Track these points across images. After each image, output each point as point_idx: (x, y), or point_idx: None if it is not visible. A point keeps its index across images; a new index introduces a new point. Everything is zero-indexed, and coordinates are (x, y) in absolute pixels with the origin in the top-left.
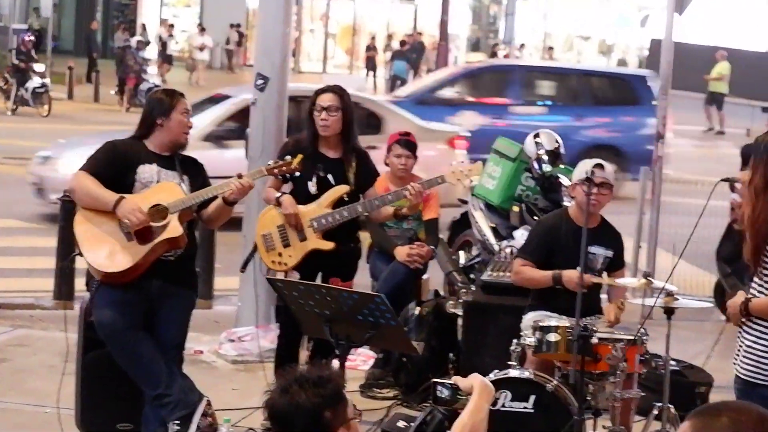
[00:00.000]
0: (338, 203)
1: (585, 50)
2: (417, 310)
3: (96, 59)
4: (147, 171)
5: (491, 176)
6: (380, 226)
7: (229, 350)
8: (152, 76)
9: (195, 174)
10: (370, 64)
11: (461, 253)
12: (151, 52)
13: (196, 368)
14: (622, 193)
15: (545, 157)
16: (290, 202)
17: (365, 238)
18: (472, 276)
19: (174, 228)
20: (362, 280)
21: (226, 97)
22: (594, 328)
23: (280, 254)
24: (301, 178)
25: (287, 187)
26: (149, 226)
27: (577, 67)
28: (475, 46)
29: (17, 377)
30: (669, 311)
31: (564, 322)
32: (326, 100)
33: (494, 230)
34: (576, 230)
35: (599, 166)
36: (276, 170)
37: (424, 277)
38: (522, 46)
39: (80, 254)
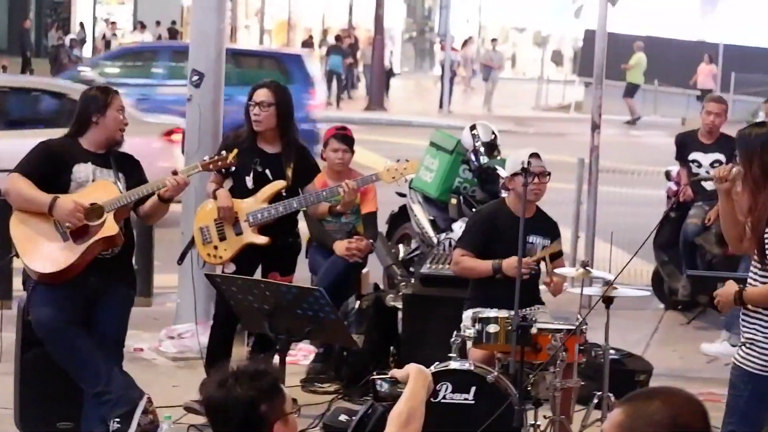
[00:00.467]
0: (276, 198)
1: (520, 42)
2: (357, 304)
3: (30, 58)
4: (82, 170)
5: (429, 169)
6: (319, 221)
7: (169, 347)
8: (87, 71)
9: (131, 171)
10: None
11: (400, 246)
12: (88, 51)
13: (137, 365)
14: None
15: (482, 149)
16: (225, 195)
17: (304, 232)
18: (411, 269)
19: (110, 227)
20: (302, 275)
21: None
22: (533, 319)
23: (216, 247)
24: (240, 172)
25: (229, 183)
26: (85, 225)
27: (229, 47)
28: (409, 39)
29: None
30: (607, 300)
31: (503, 313)
32: (259, 95)
33: (433, 223)
34: (514, 220)
35: (535, 155)
36: (211, 165)
37: (364, 270)
38: (470, 38)
39: (17, 255)
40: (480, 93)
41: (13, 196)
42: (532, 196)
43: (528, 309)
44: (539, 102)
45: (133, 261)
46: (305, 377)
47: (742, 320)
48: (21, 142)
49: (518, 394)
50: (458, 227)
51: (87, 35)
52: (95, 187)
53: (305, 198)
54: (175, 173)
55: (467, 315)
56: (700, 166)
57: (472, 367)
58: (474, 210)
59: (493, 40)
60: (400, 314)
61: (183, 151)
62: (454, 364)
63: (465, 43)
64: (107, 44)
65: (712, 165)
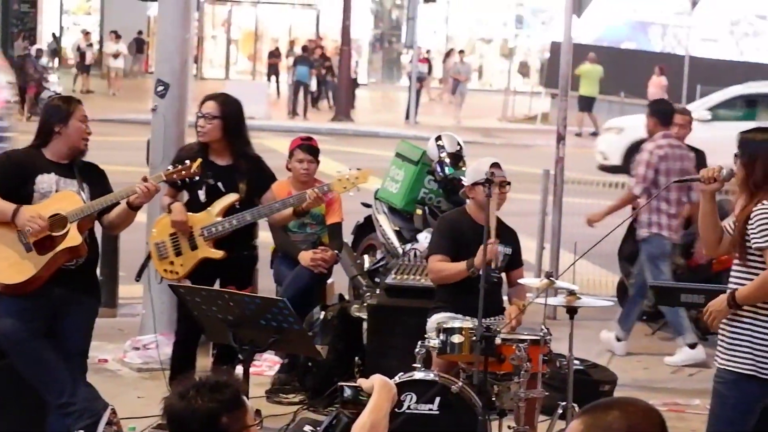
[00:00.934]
0: (230, 211)
1: (487, 53)
2: (322, 315)
3: None
4: (45, 181)
5: (394, 180)
6: (284, 231)
7: (134, 358)
8: (53, 84)
9: (95, 181)
10: (273, 70)
11: (365, 256)
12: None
13: (101, 377)
14: None
15: (447, 160)
16: (179, 209)
17: (269, 243)
18: (376, 279)
19: (73, 237)
20: (267, 285)
21: None
22: (497, 329)
23: (172, 263)
24: (193, 186)
25: (185, 196)
26: (49, 235)
27: None
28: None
29: None
30: (571, 311)
31: (468, 323)
32: (206, 107)
33: (398, 233)
34: (476, 228)
35: (496, 165)
36: (175, 175)
37: (329, 281)
38: (428, 51)
39: None
40: (451, 104)
41: None
42: (494, 206)
43: (492, 319)
44: (506, 113)
45: (98, 271)
46: (270, 388)
47: (723, 326)
48: None
49: (482, 404)
50: (423, 238)
51: (61, 45)
52: (58, 197)
53: (258, 211)
54: (145, 180)
55: (432, 324)
56: None
57: (436, 378)
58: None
59: (461, 52)
60: (365, 325)
61: (147, 162)
62: (418, 375)
63: (447, 55)
64: (82, 55)
65: None
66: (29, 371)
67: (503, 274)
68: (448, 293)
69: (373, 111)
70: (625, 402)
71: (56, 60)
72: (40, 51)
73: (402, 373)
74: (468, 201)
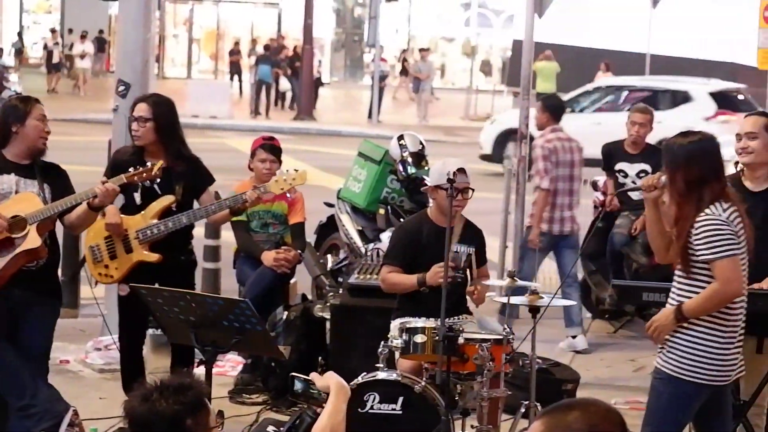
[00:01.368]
0: (166, 213)
1: (449, 52)
2: (285, 315)
3: None
4: (5, 181)
5: (357, 179)
6: (246, 231)
7: (95, 359)
8: (13, 84)
9: (56, 181)
10: (235, 69)
11: (328, 256)
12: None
13: (63, 378)
14: None
15: (410, 159)
16: (114, 212)
17: (231, 243)
18: (339, 279)
19: (33, 239)
20: (229, 286)
21: None
22: (460, 329)
23: (106, 266)
24: (128, 188)
25: (121, 199)
26: (8, 237)
27: None
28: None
29: None
30: (534, 310)
31: (431, 323)
32: (138, 110)
33: (361, 233)
34: (438, 230)
35: (461, 170)
36: (136, 177)
37: (292, 281)
38: (428, 50)
39: None
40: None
41: None
42: (454, 211)
43: (455, 318)
44: (468, 112)
45: (59, 272)
46: (233, 388)
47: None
48: None
49: (445, 404)
50: (386, 237)
51: (20, 44)
52: (18, 199)
53: (195, 213)
54: (104, 182)
55: (395, 324)
56: (626, 176)
57: (399, 378)
58: (401, 220)
59: (422, 50)
60: (328, 325)
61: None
62: (381, 375)
63: (422, 53)
64: (49, 54)
65: (638, 175)
66: None
67: (468, 272)
68: (409, 295)
69: (335, 110)
70: (585, 402)
71: (19, 59)
72: (0, 50)
73: (365, 373)
74: (430, 201)
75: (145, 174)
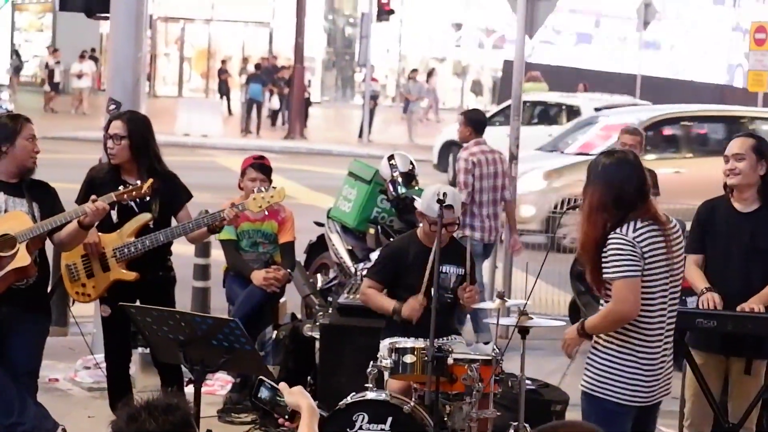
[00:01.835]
0: (143, 231)
1: (440, 72)
2: (274, 334)
3: None
4: None
5: (347, 199)
6: (236, 250)
7: (85, 377)
8: (4, 101)
9: (45, 199)
10: (224, 88)
11: (318, 276)
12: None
13: (51, 396)
14: None
15: (400, 179)
16: (91, 230)
17: (221, 261)
18: (329, 299)
19: (22, 257)
20: (219, 304)
21: None
22: (449, 349)
23: (83, 285)
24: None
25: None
26: None
27: None
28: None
29: None
30: (523, 330)
31: (420, 343)
32: (113, 128)
33: (351, 253)
34: (425, 251)
35: (449, 207)
36: (125, 195)
37: (281, 300)
38: (434, 70)
39: None
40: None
41: None
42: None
43: (444, 339)
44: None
45: (48, 290)
46: (222, 407)
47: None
48: None
49: (434, 424)
50: (376, 257)
51: (22, 63)
52: (7, 217)
53: (172, 231)
54: (94, 200)
55: (384, 344)
56: None
57: (388, 398)
58: (390, 240)
59: (413, 71)
60: (317, 344)
61: None
62: (370, 395)
63: (430, 74)
64: (51, 73)
65: None
66: None
67: (458, 293)
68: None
69: (326, 129)
70: (573, 424)
71: (18, 76)
72: None
73: (354, 393)
74: (420, 223)
75: (134, 192)
